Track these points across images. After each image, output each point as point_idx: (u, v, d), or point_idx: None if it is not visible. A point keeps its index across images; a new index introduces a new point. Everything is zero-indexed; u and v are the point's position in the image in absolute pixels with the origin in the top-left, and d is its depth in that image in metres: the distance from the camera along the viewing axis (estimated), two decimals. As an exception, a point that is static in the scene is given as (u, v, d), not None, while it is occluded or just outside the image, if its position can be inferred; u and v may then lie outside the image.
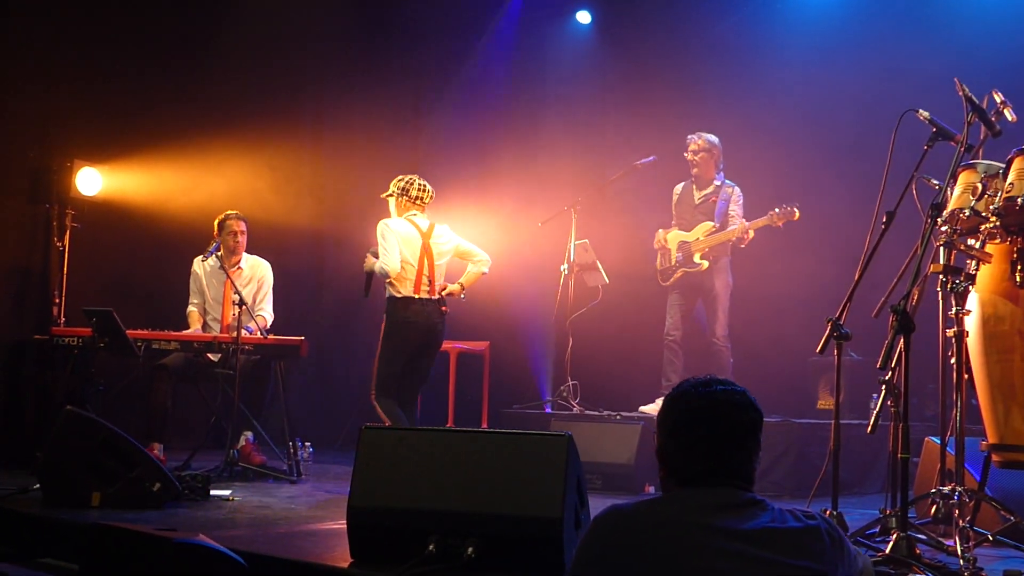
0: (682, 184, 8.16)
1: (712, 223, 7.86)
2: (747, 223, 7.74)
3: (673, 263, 8.00)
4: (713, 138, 7.95)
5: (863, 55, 8.59)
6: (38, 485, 5.41)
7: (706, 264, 7.85)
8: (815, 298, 8.02)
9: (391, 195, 6.78)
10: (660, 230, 8.15)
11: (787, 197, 8.29)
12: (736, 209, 7.85)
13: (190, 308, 7.66)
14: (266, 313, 7.53)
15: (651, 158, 8.22)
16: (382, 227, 6.59)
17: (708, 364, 7.85)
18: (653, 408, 7.75)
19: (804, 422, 7.40)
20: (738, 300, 8.21)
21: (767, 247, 8.53)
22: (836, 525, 2.43)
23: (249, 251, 7.77)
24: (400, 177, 6.80)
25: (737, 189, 7.93)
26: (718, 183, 7.95)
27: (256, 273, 7.67)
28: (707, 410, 2.39)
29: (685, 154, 7.99)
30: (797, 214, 7.59)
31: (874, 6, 8.93)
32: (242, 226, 7.58)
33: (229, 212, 7.64)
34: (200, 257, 7.55)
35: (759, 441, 2.42)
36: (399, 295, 6.58)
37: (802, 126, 8.81)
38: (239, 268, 7.61)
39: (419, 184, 6.77)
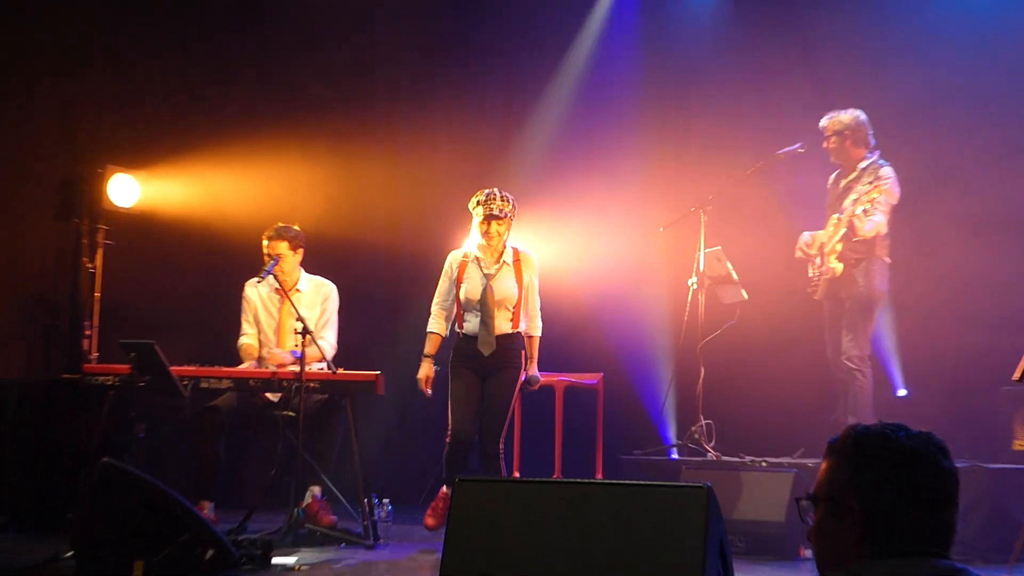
0: (833, 175, 8.08)
1: (838, 215, 7.73)
2: (855, 208, 7.57)
3: (818, 272, 7.88)
4: (849, 115, 7.84)
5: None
6: (71, 553, 5.50)
7: (840, 267, 7.70)
8: (1005, 314, 7.84)
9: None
10: (804, 233, 8.04)
11: (957, 191, 8.13)
12: (879, 196, 7.61)
13: (243, 340, 7.73)
14: (326, 343, 7.54)
15: (797, 145, 8.11)
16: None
17: (836, 389, 7.81)
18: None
19: (998, 467, 7.20)
20: (909, 313, 8.04)
21: (948, 251, 8.37)
22: None
23: (313, 271, 7.83)
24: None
25: (886, 169, 7.76)
26: (863, 165, 7.82)
27: (319, 296, 7.71)
28: (915, 461, 2.40)
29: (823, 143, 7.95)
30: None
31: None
32: (276, 248, 7.55)
33: (272, 227, 7.67)
34: (254, 279, 7.63)
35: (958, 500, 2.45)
36: None
37: (975, 110, 8.65)
38: (298, 291, 7.68)
39: None
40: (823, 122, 7.93)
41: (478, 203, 7.03)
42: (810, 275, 8.03)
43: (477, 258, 7.13)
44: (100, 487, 5.50)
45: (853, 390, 7.70)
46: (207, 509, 7.08)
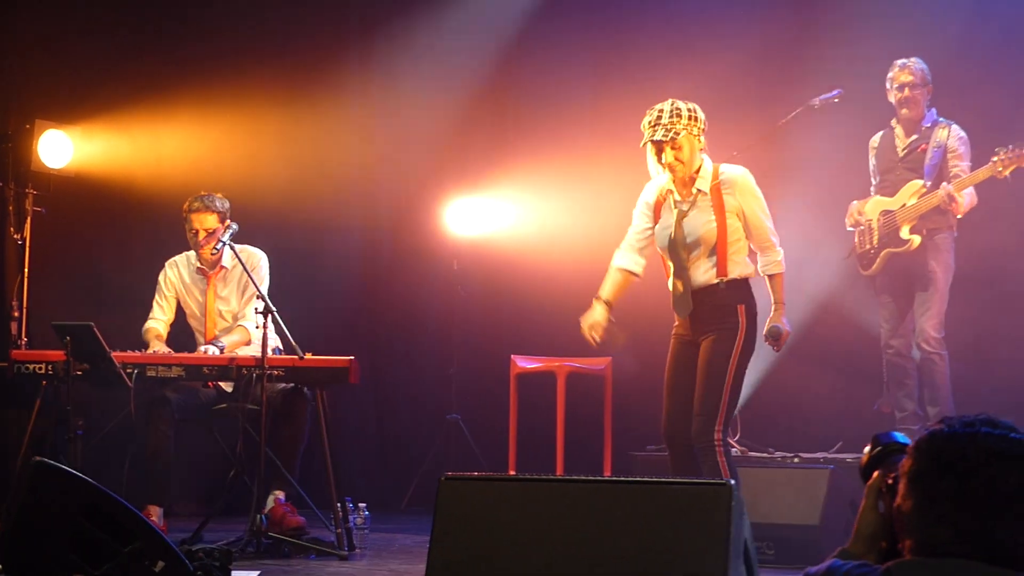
0: (880, 134, 8.14)
1: (921, 181, 7.80)
2: (948, 185, 7.65)
3: (875, 243, 7.92)
4: (922, 63, 7.90)
5: None
6: (-1, 566, 5.53)
7: (917, 240, 7.80)
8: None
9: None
10: (854, 202, 8.09)
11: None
12: (959, 164, 7.76)
13: (150, 324, 7.78)
14: (249, 322, 7.53)
15: (835, 92, 8.13)
16: None
17: (906, 376, 7.87)
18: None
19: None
20: (995, 291, 8.09)
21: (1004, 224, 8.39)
22: None
23: (274, 241, 7.85)
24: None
25: (955, 128, 7.90)
26: (927, 124, 7.90)
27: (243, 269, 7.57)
28: (960, 458, 2.34)
29: (889, 91, 7.94)
30: None
31: None
32: (205, 222, 7.61)
33: (195, 197, 7.69)
34: (176, 258, 7.74)
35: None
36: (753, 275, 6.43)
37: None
38: (223, 268, 7.75)
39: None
40: (903, 63, 7.94)
41: (643, 129, 6.22)
42: (857, 245, 8.05)
43: (670, 191, 6.35)
44: (32, 491, 5.51)
45: (931, 377, 7.81)
46: (156, 516, 7.10)
